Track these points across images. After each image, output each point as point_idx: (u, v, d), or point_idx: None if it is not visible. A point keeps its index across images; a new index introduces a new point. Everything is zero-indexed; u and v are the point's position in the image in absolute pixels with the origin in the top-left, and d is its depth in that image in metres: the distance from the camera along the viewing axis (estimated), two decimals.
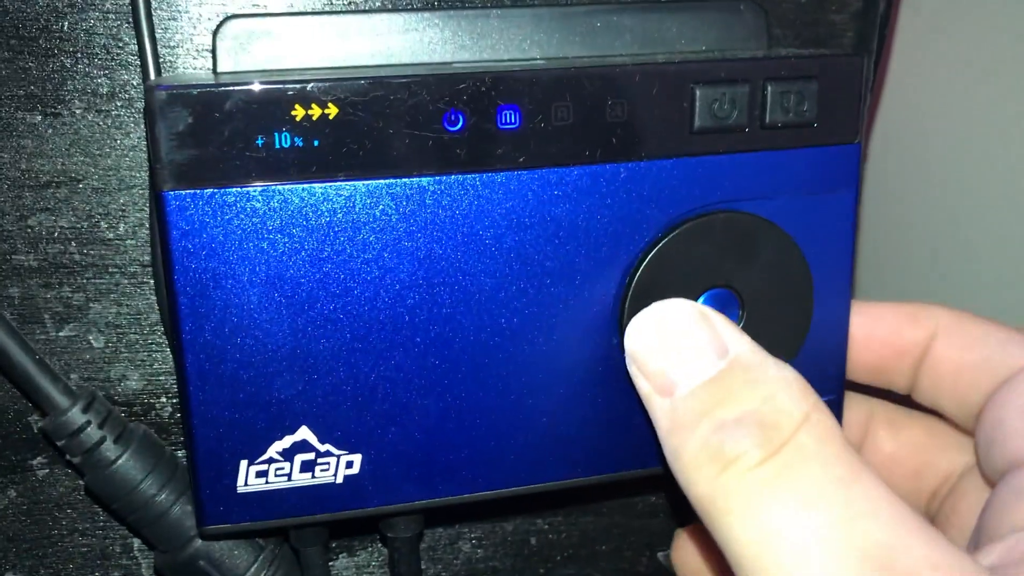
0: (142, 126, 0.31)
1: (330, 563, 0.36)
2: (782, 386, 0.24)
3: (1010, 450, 0.27)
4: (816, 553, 0.21)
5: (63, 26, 0.30)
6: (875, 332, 0.32)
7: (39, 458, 0.33)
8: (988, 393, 0.29)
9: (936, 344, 0.31)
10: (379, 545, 0.37)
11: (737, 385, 0.24)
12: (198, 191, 0.25)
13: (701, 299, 0.29)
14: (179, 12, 0.30)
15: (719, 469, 0.23)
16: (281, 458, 0.27)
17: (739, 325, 0.29)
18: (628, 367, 0.27)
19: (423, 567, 0.37)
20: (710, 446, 0.23)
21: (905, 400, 0.33)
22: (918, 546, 0.21)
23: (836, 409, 0.31)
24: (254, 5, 0.31)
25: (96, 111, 0.30)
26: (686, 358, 0.25)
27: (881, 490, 0.22)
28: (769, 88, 0.28)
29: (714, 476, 0.23)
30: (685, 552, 0.34)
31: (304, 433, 0.27)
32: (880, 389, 0.33)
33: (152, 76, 0.29)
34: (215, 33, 0.28)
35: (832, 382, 0.31)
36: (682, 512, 0.39)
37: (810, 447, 0.23)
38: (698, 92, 0.27)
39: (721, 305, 0.29)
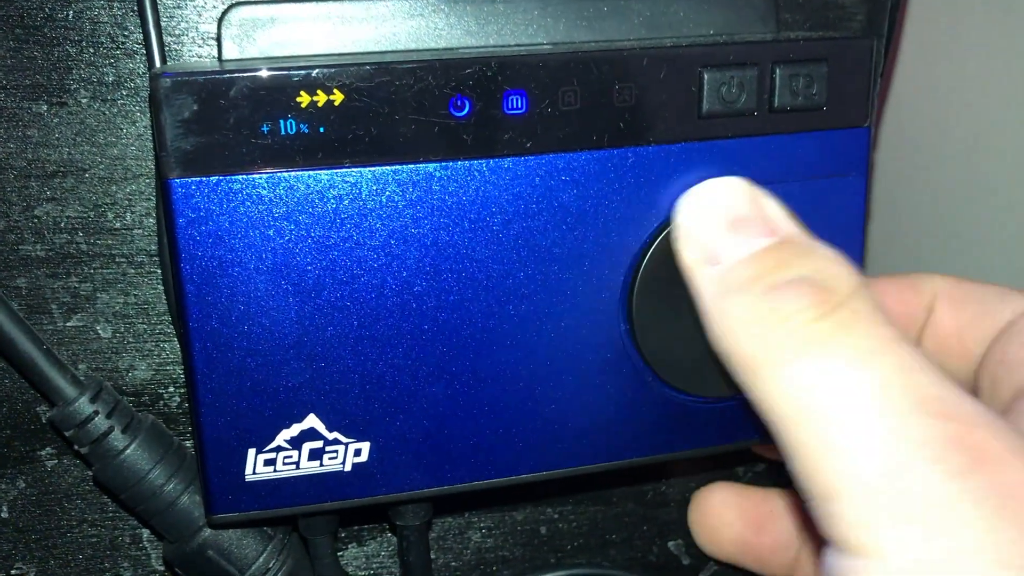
0: (148, 115, 0.31)
1: (339, 553, 0.36)
2: (833, 260, 0.24)
3: (1015, 380, 0.27)
4: (874, 401, 0.21)
5: (68, 15, 0.30)
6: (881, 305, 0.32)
7: (47, 448, 0.33)
8: (990, 343, 0.29)
9: (937, 307, 0.31)
10: (388, 535, 0.37)
11: (789, 256, 0.24)
12: (204, 179, 0.25)
13: None
14: (184, 0, 0.30)
15: (772, 325, 0.23)
16: (289, 446, 0.27)
17: None
18: (674, 243, 0.26)
19: (432, 556, 0.36)
20: (762, 305, 0.23)
21: None
22: (968, 402, 0.21)
23: None
24: None
25: (102, 100, 0.30)
26: (739, 231, 0.25)
27: (927, 357, 0.22)
28: (778, 71, 0.28)
29: (766, 332, 0.23)
30: (703, 513, 0.35)
31: (312, 421, 0.27)
32: None
33: (157, 64, 0.29)
34: (220, 21, 0.28)
35: None
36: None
37: (863, 311, 0.23)
38: (706, 76, 0.27)
39: None
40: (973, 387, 0.30)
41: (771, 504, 0.35)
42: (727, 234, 0.25)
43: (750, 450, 0.36)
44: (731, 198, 0.26)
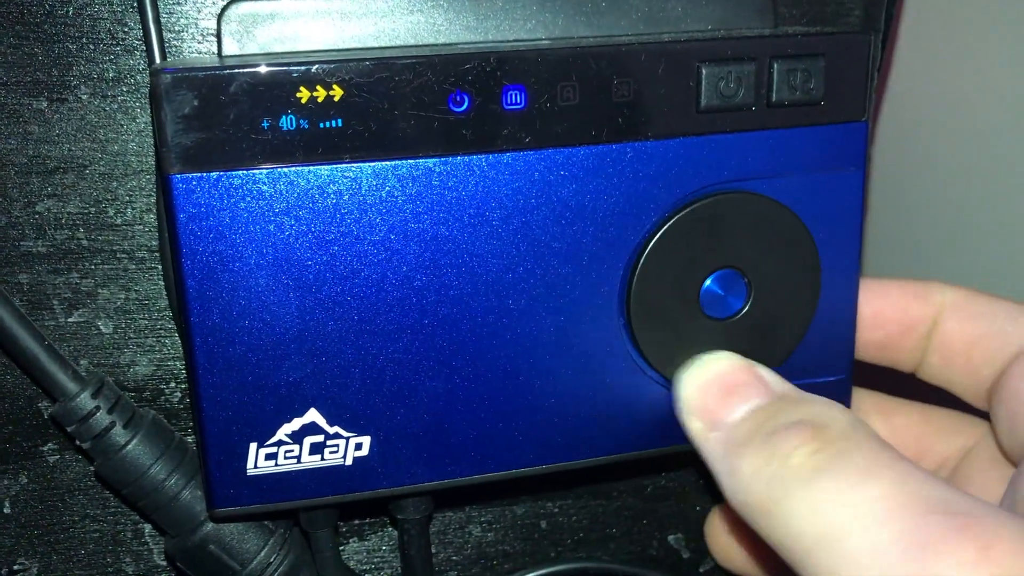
0: (148, 111, 0.31)
1: (340, 547, 0.36)
2: (826, 404, 0.26)
3: None
4: (879, 511, 0.22)
5: (68, 11, 0.30)
6: (881, 308, 0.32)
7: (49, 444, 0.33)
8: (1002, 366, 0.29)
9: (945, 320, 0.31)
10: (389, 529, 0.37)
11: (787, 407, 0.26)
12: (205, 174, 0.25)
13: (708, 280, 0.29)
14: None
15: (776, 466, 0.24)
16: (290, 440, 0.27)
17: (746, 306, 0.29)
18: (678, 415, 0.28)
19: (433, 551, 0.37)
20: (765, 451, 0.24)
21: (898, 387, 0.33)
22: (969, 499, 0.22)
23: (846, 389, 0.31)
24: None
25: (102, 96, 0.30)
26: (736, 395, 0.27)
27: (924, 470, 0.23)
28: (775, 66, 0.28)
29: (772, 473, 0.24)
30: (718, 528, 0.35)
31: (313, 415, 0.27)
32: (883, 370, 0.33)
33: (157, 60, 0.29)
34: (220, 17, 0.28)
35: (841, 361, 0.31)
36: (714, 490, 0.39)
37: (859, 439, 0.24)
38: (704, 71, 0.27)
39: (728, 286, 0.29)
40: (982, 404, 0.30)
41: None
42: (726, 400, 0.27)
43: None
44: (725, 368, 0.28)
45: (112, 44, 0.30)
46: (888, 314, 0.32)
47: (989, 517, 0.21)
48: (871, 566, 0.21)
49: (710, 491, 0.39)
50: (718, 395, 0.27)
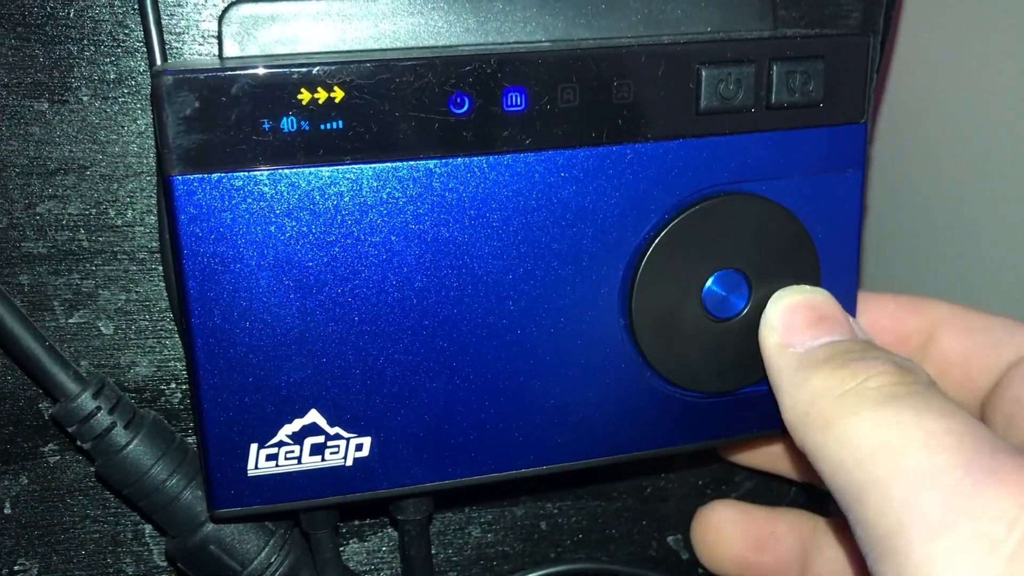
0: (149, 113, 0.31)
1: (341, 548, 0.36)
2: (908, 359, 0.25)
3: None
4: (948, 439, 0.22)
5: (69, 13, 0.30)
6: (877, 320, 0.32)
7: (50, 445, 0.33)
8: (997, 376, 0.29)
9: (941, 334, 0.31)
10: (389, 530, 0.37)
11: (871, 348, 0.26)
12: (205, 176, 0.25)
13: (709, 280, 0.29)
14: None
15: (851, 385, 0.24)
16: (291, 441, 0.27)
17: (746, 306, 0.29)
18: (760, 331, 0.28)
19: (433, 551, 0.37)
20: (844, 371, 0.25)
21: None
22: None
23: None
24: None
25: (103, 98, 0.31)
26: (823, 326, 0.27)
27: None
28: (775, 68, 0.28)
29: (843, 391, 0.24)
30: (705, 529, 0.35)
31: (313, 416, 0.27)
32: None
33: (158, 62, 0.29)
34: (221, 19, 0.28)
35: None
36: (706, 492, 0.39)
37: (938, 390, 0.24)
38: (704, 73, 0.27)
39: (729, 287, 0.29)
40: (979, 417, 0.30)
41: (773, 524, 0.36)
42: (814, 326, 0.27)
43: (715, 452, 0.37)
44: (820, 300, 0.28)
45: (113, 46, 0.30)
46: (884, 325, 0.32)
47: None
48: (928, 483, 0.21)
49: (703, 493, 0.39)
50: (806, 320, 0.27)
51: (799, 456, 0.27)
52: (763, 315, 0.28)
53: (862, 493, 0.22)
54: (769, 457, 0.35)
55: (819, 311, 0.28)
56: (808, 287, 0.29)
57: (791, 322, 0.28)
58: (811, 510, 0.36)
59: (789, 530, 0.35)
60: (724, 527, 0.36)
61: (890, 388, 0.24)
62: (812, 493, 0.39)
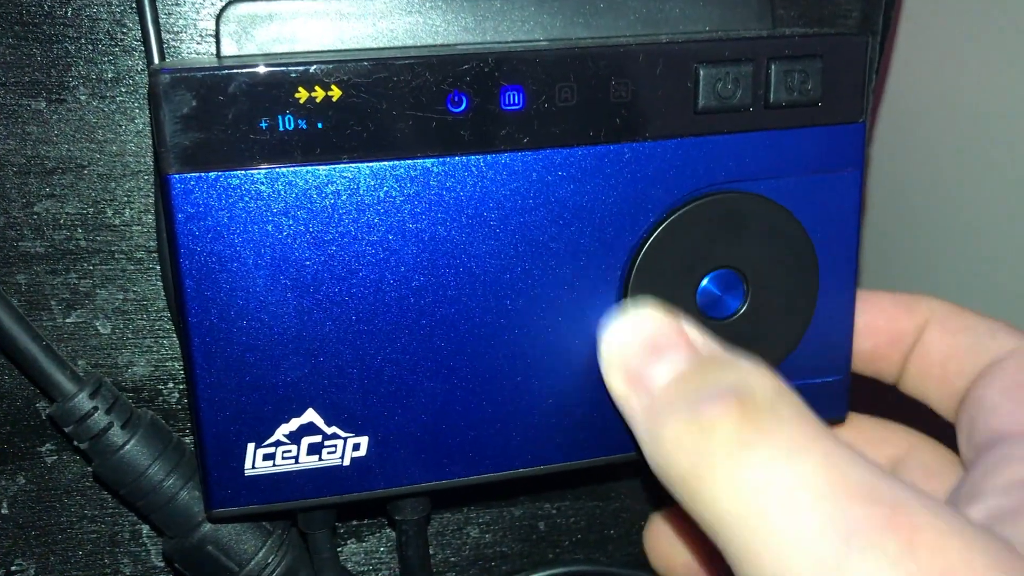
0: (147, 112, 0.31)
1: (338, 548, 0.36)
2: (754, 370, 0.25)
3: (991, 424, 0.27)
4: (803, 496, 0.21)
5: (67, 12, 0.30)
6: (872, 320, 0.32)
7: (47, 444, 0.33)
8: (972, 378, 0.29)
9: (927, 332, 0.31)
10: (387, 530, 0.37)
11: (712, 372, 0.25)
12: (203, 174, 0.25)
13: (706, 280, 0.29)
14: None
15: (699, 439, 0.23)
16: (288, 441, 0.27)
17: (744, 306, 0.29)
18: (603, 373, 0.27)
19: (431, 552, 0.37)
20: (690, 422, 0.24)
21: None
22: (897, 485, 0.22)
23: (844, 389, 0.31)
24: None
25: (101, 97, 0.31)
26: (661, 353, 0.26)
27: (852, 450, 0.23)
28: (773, 67, 0.28)
29: (696, 446, 0.23)
30: (655, 537, 0.35)
31: (311, 416, 0.27)
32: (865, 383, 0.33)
33: (156, 61, 0.29)
34: (218, 18, 0.28)
35: (839, 361, 0.31)
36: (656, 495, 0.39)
37: (785, 412, 0.23)
38: (702, 72, 0.27)
39: (726, 286, 0.29)
40: (953, 417, 0.30)
41: None
42: (650, 360, 0.26)
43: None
44: (650, 325, 0.27)
45: (111, 45, 0.30)
46: (878, 324, 0.32)
47: (915, 504, 0.21)
48: (794, 552, 0.21)
49: (650, 494, 0.39)
50: (641, 354, 0.26)
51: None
52: (599, 351, 0.28)
53: (737, 555, 0.22)
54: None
55: (652, 338, 0.26)
56: (633, 308, 0.28)
57: (628, 362, 0.26)
58: None
59: None
60: (674, 535, 0.35)
61: (736, 435, 0.23)
62: None
